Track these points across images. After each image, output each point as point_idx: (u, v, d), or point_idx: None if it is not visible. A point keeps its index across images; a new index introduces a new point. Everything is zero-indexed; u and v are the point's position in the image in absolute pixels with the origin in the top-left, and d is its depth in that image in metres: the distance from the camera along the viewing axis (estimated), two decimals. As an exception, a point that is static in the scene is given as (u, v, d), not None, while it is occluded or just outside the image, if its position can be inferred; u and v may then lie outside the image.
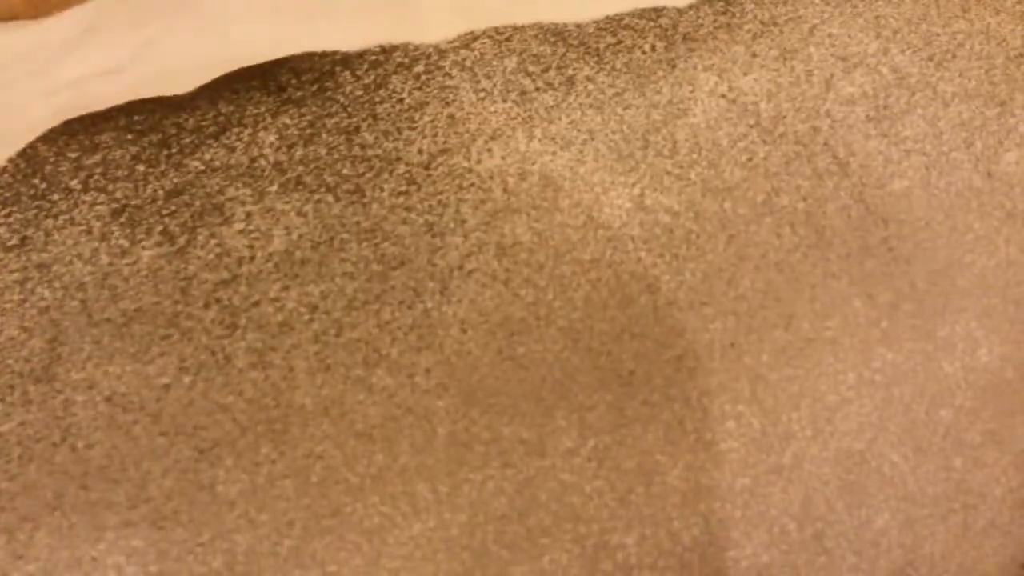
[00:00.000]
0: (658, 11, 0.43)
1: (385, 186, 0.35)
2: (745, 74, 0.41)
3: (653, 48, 0.41)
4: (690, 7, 0.43)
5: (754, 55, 0.42)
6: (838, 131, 0.40)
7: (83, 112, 0.37)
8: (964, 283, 0.39)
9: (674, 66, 0.40)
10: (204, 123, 0.36)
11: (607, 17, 0.43)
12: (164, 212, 0.33)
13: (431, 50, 0.40)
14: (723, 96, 0.40)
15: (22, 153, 0.34)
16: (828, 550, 0.36)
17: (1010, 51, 0.45)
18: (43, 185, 0.34)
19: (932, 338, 0.38)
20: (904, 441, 0.38)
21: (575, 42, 0.41)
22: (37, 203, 0.33)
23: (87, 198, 0.34)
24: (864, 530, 0.37)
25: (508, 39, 0.41)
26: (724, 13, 0.43)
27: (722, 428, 0.34)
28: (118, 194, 0.34)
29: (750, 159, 0.38)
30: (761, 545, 0.34)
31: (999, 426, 0.40)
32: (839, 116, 0.41)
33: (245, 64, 0.39)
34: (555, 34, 0.41)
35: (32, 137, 0.35)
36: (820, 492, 0.36)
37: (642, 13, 0.43)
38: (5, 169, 0.34)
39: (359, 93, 0.38)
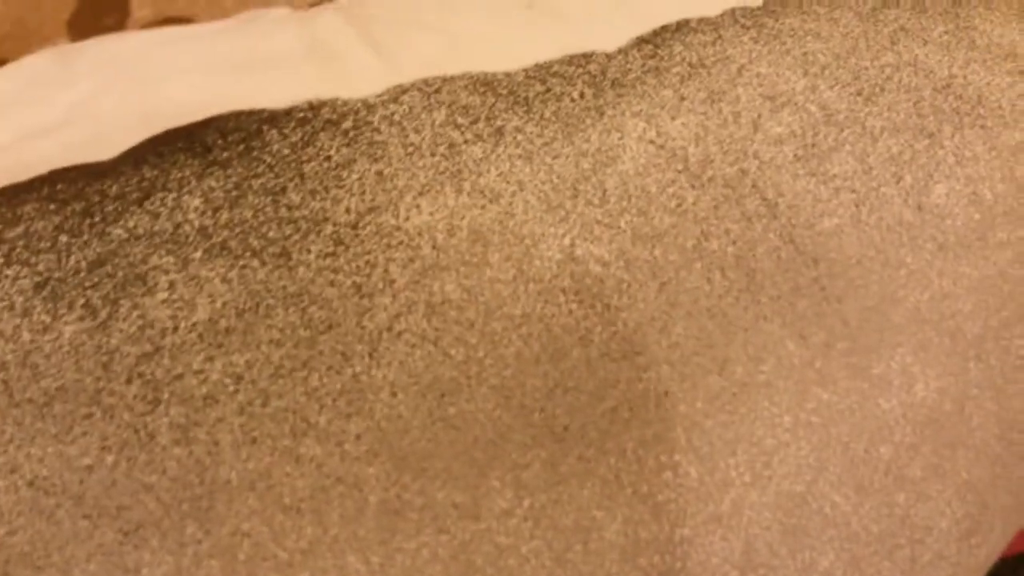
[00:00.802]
0: (587, 57, 0.43)
1: (312, 248, 0.35)
2: (673, 118, 0.41)
3: (582, 95, 0.41)
4: (619, 51, 0.44)
5: (682, 98, 0.42)
6: (766, 172, 0.40)
7: (6, 182, 0.37)
8: (898, 318, 0.40)
9: (603, 113, 0.41)
10: (128, 189, 0.36)
11: (536, 65, 0.43)
12: (87, 284, 0.33)
13: (359, 105, 0.40)
14: (651, 142, 0.40)
15: (-60, 229, 0.34)
16: (771, 595, 0.36)
17: (937, 82, 0.46)
18: (-39, 261, 0.33)
19: (867, 376, 0.38)
20: (845, 481, 0.38)
21: (504, 91, 0.41)
22: (-45, 280, 0.33)
23: (9, 272, 0.33)
24: (809, 573, 0.37)
25: (437, 91, 0.41)
26: (652, 56, 0.44)
27: (658, 479, 0.34)
28: (41, 267, 0.33)
29: (679, 205, 0.39)
30: (703, 595, 0.34)
31: (940, 459, 0.40)
32: (767, 157, 0.41)
33: (173, 125, 0.39)
34: (484, 84, 0.41)
35: (-50, 211, 0.35)
36: (761, 538, 0.36)
37: (571, 60, 0.43)
38: (-78, 246, 0.34)
39: (286, 152, 0.37)
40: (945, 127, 0.44)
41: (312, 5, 0.63)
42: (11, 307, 0.32)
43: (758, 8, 0.47)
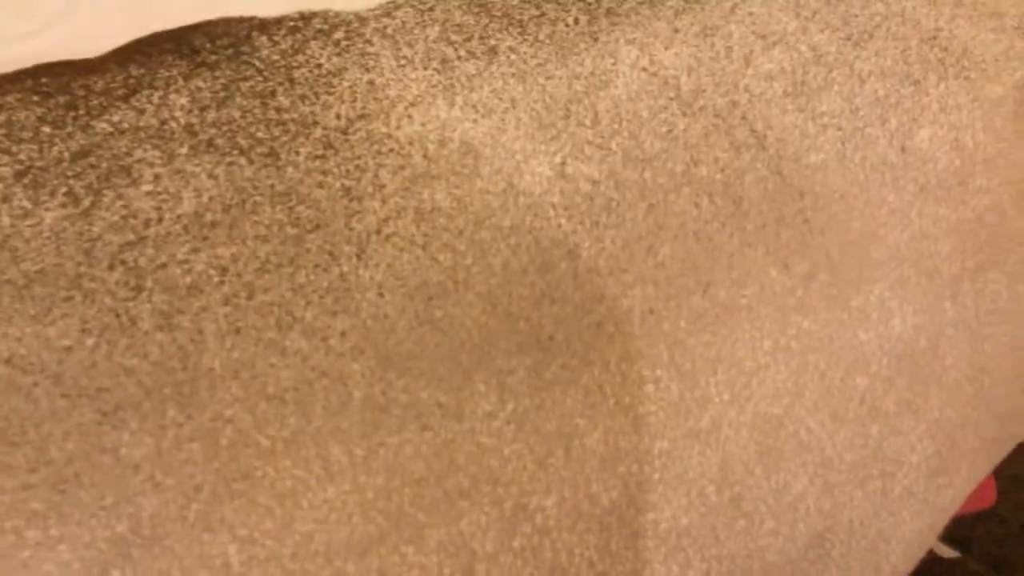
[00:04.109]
0: (582, -15, 0.43)
1: (301, 150, 0.34)
2: (666, 48, 0.41)
3: (576, 21, 0.41)
4: (614, -18, 0.44)
5: (676, 31, 0.42)
6: (756, 105, 0.41)
7: (-8, 73, 0.36)
8: (878, 254, 0.40)
9: (596, 39, 0.41)
10: (113, 85, 0.35)
11: (531, -11, 0.42)
12: (69, 174, 0.32)
13: (351, 17, 0.39)
14: (644, 69, 0.40)
15: (-82, 112, 0.33)
16: (747, 514, 0.36)
17: (924, 33, 0.47)
18: (-59, 145, 0.33)
19: (847, 307, 0.39)
20: (821, 407, 0.38)
21: (498, 13, 0.41)
22: (-66, 163, 0.32)
23: (-12, 159, 0.32)
24: (782, 495, 0.37)
25: (431, 8, 0.40)
26: (647, -11, 0.44)
27: (640, 392, 0.34)
28: (22, 156, 0.32)
29: (670, 131, 0.39)
30: (680, 508, 0.35)
31: (913, 395, 0.41)
32: (757, 91, 0.41)
33: (160, 28, 0.38)
34: (478, 5, 0.41)
35: (-71, 96, 0.34)
36: (738, 456, 0.36)
37: (566, -13, 0.43)
38: (-101, 128, 0.33)
39: (276, 58, 0.37)
40: (930, 76, 0.45)
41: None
42: (-9, 193, 0.32)
43: (751, -48, 0.47)
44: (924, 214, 0.42)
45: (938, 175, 0.43)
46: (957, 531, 0.61)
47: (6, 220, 0.31)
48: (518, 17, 0.41)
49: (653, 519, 0.34)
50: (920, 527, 0.43)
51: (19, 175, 0.32)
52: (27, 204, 0.31)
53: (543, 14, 0.41)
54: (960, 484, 0.45)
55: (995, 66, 0.47)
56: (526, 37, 0.40)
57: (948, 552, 0.64)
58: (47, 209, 0.31)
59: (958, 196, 0.43)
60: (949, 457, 0.43)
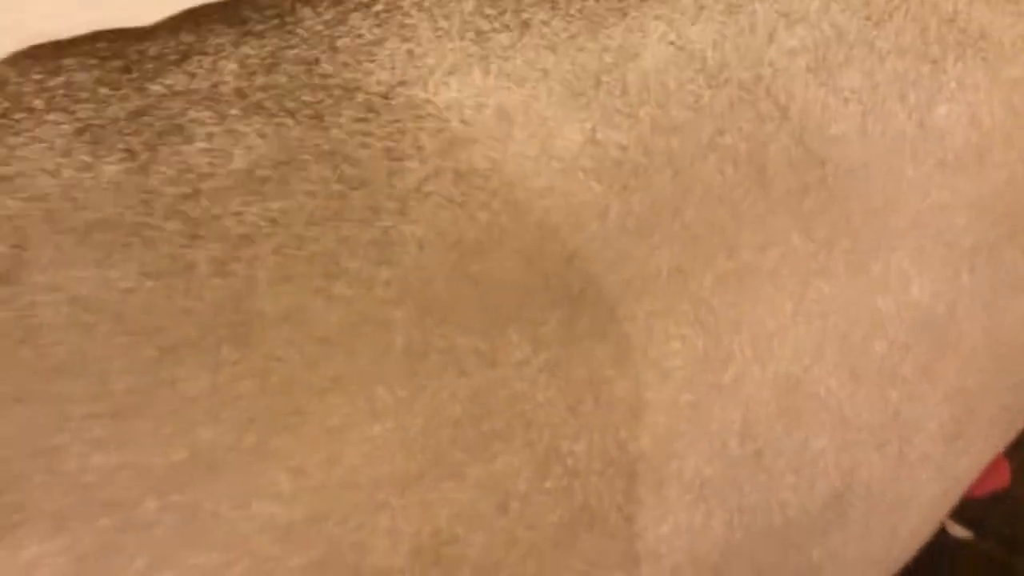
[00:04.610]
0: (611, -36, 0.45)
1: (344, 113, 0.36)
2: (693, 24, 0.43)
3: (606, -3, 0.43)
4: (642, -38, 0.45)
5: (702, 7, 0.43)
6: (779, 79, 0.42)
7: (46, 43, 0.38)
8: (898, 223, 0.42)
9: (626, 14, 0.42)
10: (166, 51, 0.37)
11: (562, -32, 0.44)
12: (126, 131, 0.34)
13: (391, -9, 0.41)
14: (672, 43, 0.42)
15: (-15, 73, 0.35)
16: (767, 468, 0.38)
17: (943, 15, 0.48)
18: (6, 104, 0.34)
19: (867, 272, 0.40)
20: (840, 369, 0.40)
21: (531, -11, 0.43)
22: (0, 120, 0.34)
23: (50, 117, 0.34)
24: (802, 451, 0.39)
25: (466, -16, 0.42)
26: (674, -31, 0.45)
27: (667, 347, 0.36)
28: (81, 114, 0.34)
29: (696, 101, 0.40)
30: (703, 459, 0.36)
31: (931, 361, 0.42)
32: (781, 66, 0.43)
33: (207, 2, 0.40)
34: (512, -18, 0.43)
35: (-4, 60, 0.36)
36: (759, 412, 0.37)
37: (596, -35, 0.44)
38: (-32, 89, 0.35)
39: (319, 28, 0.39)
40: (949, 55, 0.46)
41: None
42: (52, 147, 0.34)
43: (775, -65, 0.49)
44: (942, 186, 0.43)
45: (956, 150, 0.44)
46: (970, 512, 0.62)
47: (68, 172, 0.33)
48: (550, -7, 0.43)
49: (678, 468, 0.36)
50: (936, 492, 0.44)
51: (79, 132, 0.34)
52: (87, 158, 0.33)
53: (574, -9, 0.43)
54: (976, 452, 0.46)
55: (1012, 48, 0.48)
56: (557, 11, 0.42)
57: (961, 532, 0.65)
58: (106, 163, 0.33)
59: (975, 170, 0.44)
60: (966, 424, 0.44)
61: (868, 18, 0.46)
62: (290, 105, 0.36)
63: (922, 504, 0.43)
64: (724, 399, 0.36)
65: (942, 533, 0.48)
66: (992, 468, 0.49)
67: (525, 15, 0.41)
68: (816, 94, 0.42)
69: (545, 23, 0.41)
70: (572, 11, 0.42)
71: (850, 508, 0.40)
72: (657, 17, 0.43)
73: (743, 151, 0.40)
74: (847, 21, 0.46)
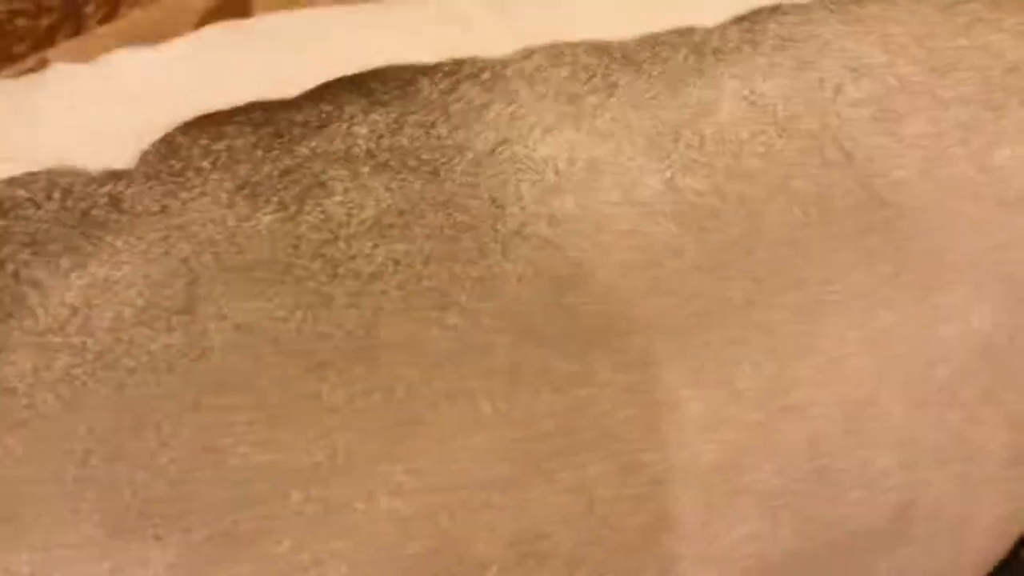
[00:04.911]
0: (690, 29, 0.50)
1: (456, 168, 0.42)
2: (765, 80, 0.47)
3: (685, 59, 0.48)
4: (719, 26, 0.50)
5: (773, 65, 0.48)
6: (845, 128, 0.46)
7: (209, 112, 0.45)
8: (958, 260, 0.45)
9: (703, 74, 0.47)
10: (309, 119, 0.44)
11: (645, 35, 0.50)
12: (278, 187, 0.41)
13: (495, 62, 0.47)
14: (745, 99, 0.46)
15: (163, 139, 0.42)
16: (833, 483, 0.41)
17: (1006, 64, 0.51)
18: (179, 165, 0.42)
19: (928, 304, 0.44)
20: (903, 393, 0.43)
21: (618, 55, 0.48)
22: (174, 179, 0.41)
23: (215, 176, 0.41)
24: (867, 469, 0.42)
25: (561, 53, 0.48)
26: (749, 31, 0.50)
27: (738, 370, 0.40)
28: (240, 173, 0.41)
29: (767, 151, 0.45)
30: (773, 472, 0.40)
31: (992, 386, 0.45)
32: (847, 116, 0.47)
33: (341, 74, 0.47)
34: (600, 49, 0.48)
35: (171, 128, 0.43)
36: (825, 432, 0.41)
37: (676, 31, 0.50)
38: (149, 152, 0.42)
39: (435, 96, 0.45)
40: (1011, 101, 0.50)
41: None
42: (217, 201, 0.41)
43: (845, -4, 0.53)
44: (1002, 226, 0.46)
45: (1016, 191, 0.47)
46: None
47: (232, 222, 0.40)
48: (635, 58, 0.48)
49: (749, 480, 0.40)
50: (1001, 514, 0.47)
51: (239, 187, 0.41)
52: (247, 210, 0.40)
53: (656, 54, 0.48)
54: (1044, 477, 0.48)
55: (1075, 93, 0.51)
56: (641, 74, 0.47)
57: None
58: (263, 214, 0.40)
59: (1037, 209, 0.47)
60: (1031, 449, 0.47)
61: (932, 69, 0.50)
62: (411, 163, 0.42)
63: (987, 524, 0.45)
64: (792, 419, 0.40)
65: (1014, 557, 0.51)
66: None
67: (613, 78, 0.47)
68: (880, 141, 0.47)
69: (630, 84, 0.47)
70: (654, 73, 0.47)
71: (914, 525, 0.44)
72: (732, 76, 0.47)
73: (811, 194, 0.44)
74: (911, 73, 0.49)
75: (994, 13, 0.54)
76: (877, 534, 0.43)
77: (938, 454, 0.44)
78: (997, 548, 0.48)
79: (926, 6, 0.54)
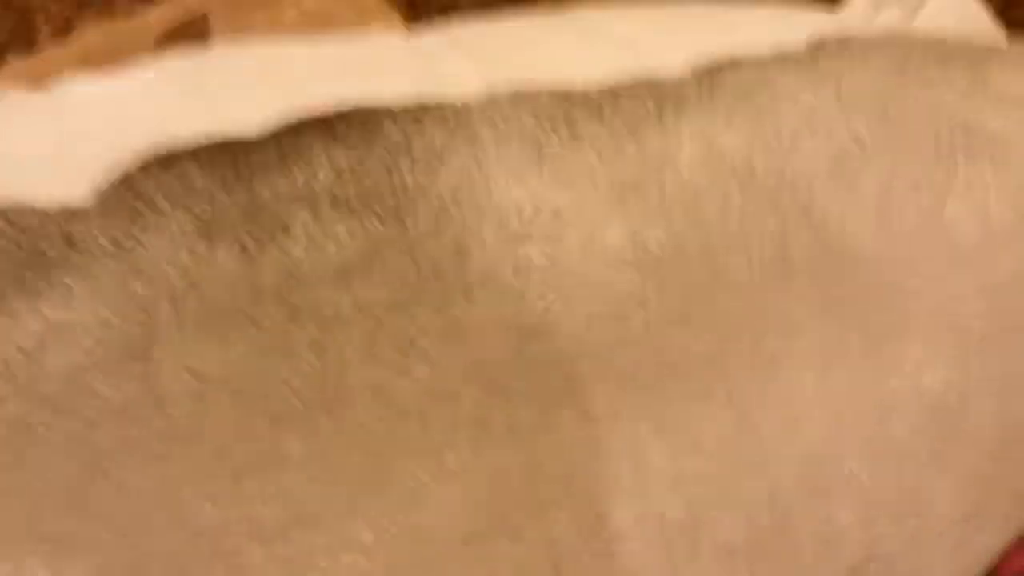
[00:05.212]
0: (652, 79, 0.51)
1: (420, 212, 0.42)
2: (723, 132, 0.48)
3: (646, 109, 0.48)
4: (678, 77, 0.51)
5: (731, 117, 0.49)
6: (802, 181, 0.47)
7: (168, 149, 0.44)
8: (911, 315, 0.46)
9: (664, 124, 0.48)
10: (270, 158, 0.43)
11: (608, 82, 0.50)
12: (238, 228, 0.40)
13: (459, 105, 0.47)
14: (704, 150, 0.47)
15: (120, 176, 0.41)
16: (793, 538, 0.42)
17: (955, 122, 0.53)
18: (137, 203, 0.41)
19: (881, 359, 0.45)
20: (861, 449, 0.44)
21: (580, 102, 0.48)
22: (131, 217, 0.40)
23: (174, 215, 0.40)
24: (827, 524, 0.43)
25: (524, 98, 0.48)
26: (708, 82, 0.51)
27: (701, 425, 0.40)
28: (199, 212, 0.40)
29: (726, 202, 0.45)
30: (734, 528, 0.40)
31: (944, 446, 0.46)
32: (803, 170, 0.48)
33: (303, 115, 0.46)
34: (563, 95, 0.49)
35: (129, 164, 0.42)
36: (786, 487, 0.42)
37: (638, 80, 0.50)
38: (106, 189, 0.41)
39: (399, 138, 0.45)
40: (960, 158, 0.51)
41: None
42: (175, 242, 0.40)
43: (801, 51, 0.54)
44: (953, 280, 0.48)
45: (966, 245, 0.48)
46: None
47: (190, 264, 0.39)
48: (597, 105, 0.48)
49: (711, 535, 0.40)
50: (954, 568, 0.48)
51: (197, 228, 0.40)
52: (205, 252, 0.39)
53: (618, 103, 0.49)
54: (995, 531, 0.49)
55: (1019, 151, 0.53)
56: (604, 122, 0.48)
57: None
58: (221, 255, 0.39)
59: (985, 264, 0.49)
60: (982, 504, 0.48)
61: (885, 124, 0.51)
62: (375, 206, 0.41)
63: (941, 576, 0.46)
64: (752, 473, 0.41)
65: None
66: (1020, 547, 0.52)
67: (576, 126, 0.47)
68: (835, 195, 0.48)
69: (593, 132, 0.47)
70: (616, 122, 0.48)
71: (871, 577, 0.44)
72: (691, 126, 0.48)
73: (769, 247, 0.45)
74: (865, 129, 0.51)
75: (944, 72, 0.56)
76: (834, 586, 0.43)
77: (893, 509, 0.44)
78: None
79: (880, 61, 0.55)
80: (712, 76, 0.51)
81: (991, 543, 0.50)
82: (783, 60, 0.53)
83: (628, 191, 0.45)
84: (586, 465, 0.38)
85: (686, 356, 0.41)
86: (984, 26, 0.65)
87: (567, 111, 0.48)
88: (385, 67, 0.52)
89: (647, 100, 0.49)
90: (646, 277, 0.42)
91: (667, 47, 0.55)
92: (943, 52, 0.58)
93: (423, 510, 0.36)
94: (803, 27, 0.58)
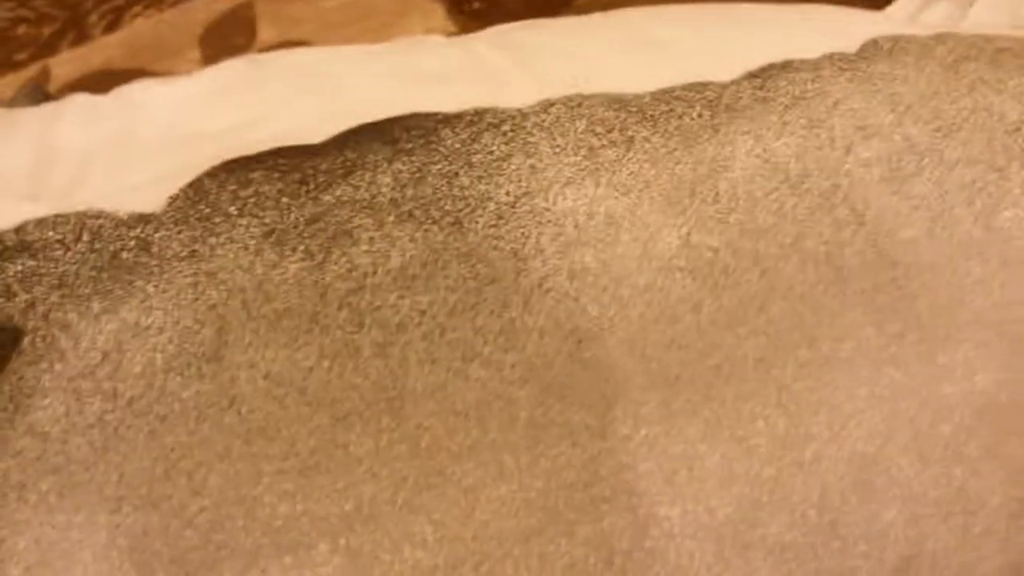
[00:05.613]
0: (704, 85, 0.51)
1: (479, 220, 0.43)
2: (777, 139, 0.49)
3: (700, 115, 0.49)
4: (732, 82, 0.52)
5: (785, 123, 0.50)
6: (855, 188, 0.48)
7: (236, 155, 0.46)
8: (963, 319, 0.46)
9: (717, 130, 0.49)
10: (334, 167, 0.44)
11: (661, 89, 0.51)
12: (305, 235, 0.41)
13: (515, 113, 0.48)
14: (758, 156, 0.48)
15: (191, 184, 0.43)
16: (842, 536, 0.42)
17: (1009, 125, 0.53)
18: (207, 210, 0.42)
19: (934, 363, 0.45)
20: (910, 449, 0.44)
21: (634, 109, 0.49)
22: (203, 224, 0.42)
23: (243, 222, 0.42)
24: (874, 522, 0.43)
25: (579, 105, 0.49)
26: (760, 88, 0.52)
27: (752, 427, 0.41)
28: (267, 219, 0.42)
29: (780, 208, 0.46)
30: (784, 526, 0.41)
31: (995, 443, 0.46)
32: (857, 176, 0.48)
33: (363, 121, 0.48)
34: (617, 102, 0.50)
35: (198, 172, 0.44)
36: (835, 487, 0.42)
37: (691, 87, 0.51)
38: (178, 196, 0.43)
39: (457, 146, 0.46)
40: (1013, 164, 0.51)
41: (451, 34, 0.73)
42: (246, 248, 0.41)
43: (853, 54, 0.55)
44: (1007, 284, 0.48)
45: (1020, 250, 0.48)
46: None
47: (260, 269, 0.40)
48: (650, 112, 0.49)
49: (762, 534, 0.41)
50: (1001, 564, 0.48)
51: (266, 235, 0.42)
52: (274, 257, 0.41)
53: (671, 109, 0.50)
54: (1043, 530, 0.49)
55: (1076, 155, 0.53)
56: (657, 129, 0.48)
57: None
58: (290, 262, 0.41)
59: (1038, 269, 0.49)
60: (1031, 503, 0.48)
61: (938, 130, 0.52)
62: (434, 214, 0.43)
63: (986, 574, 0.46)
64: (804, 474, 0.41)
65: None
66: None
67: (630, 132, 0.48)
68: (889, 201, 0.48)
69: (646, 139, 0.48)
70: (670, 128, 0.48)
71: (917, 575, 0.45)
72: (745, 133, 0.49)
73: (822, 253, 0.45)
74: (918, 133, 0.51)
75: (996, 73, 0.56)
76: (882, 586, 0.44)
77: (941, 507, 0.45)
78: (995, 599, 0.49)
79: (932, 64, 0.55)
80: (764, 82, 0.52)
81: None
82: (835, 64, 0.54)
83: (682, 197, 0.46)
84: (638, 465, 0.39)
85: (738, 359, 0.42)
86: (1040, 25, 0.64)
87: (621, 119, 0.49)
88: (440, 75, 0.53)
89: (700, 107, 0.50)
90: (699, 282, 0.43)
91: (718, 51, 0.55)
92: (995, 52, 0.57)
93: (481, 508, 0.37)
94: (853, 27, 0.58)
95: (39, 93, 0.63)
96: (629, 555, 0.39)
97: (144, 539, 0.35)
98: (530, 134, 0.47)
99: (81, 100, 0.54)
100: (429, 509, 0.37)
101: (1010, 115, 0.53)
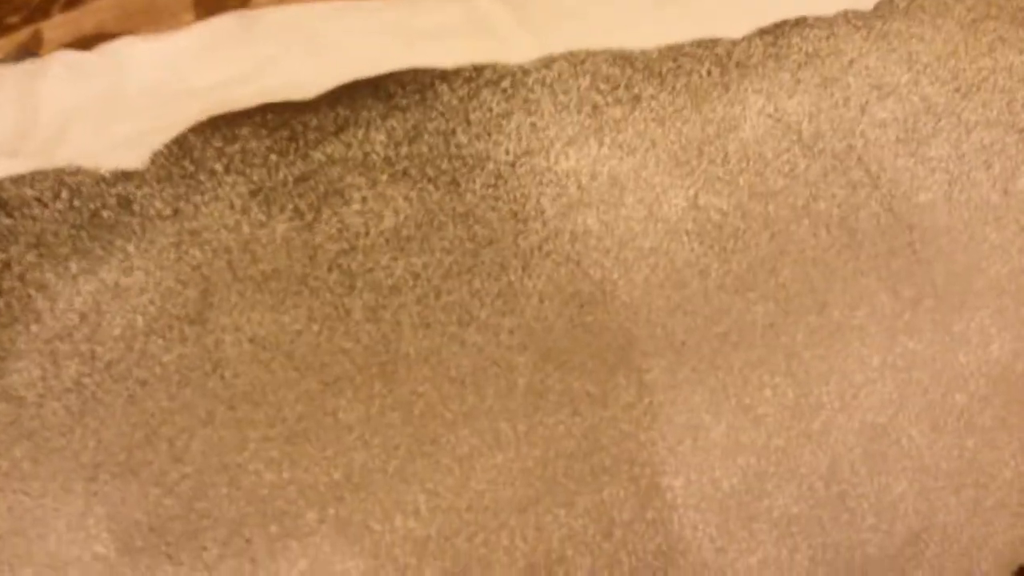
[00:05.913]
0: (714, 41, 0.49)
1: (477, 179, 0.41)
2: (790, 97, 0.47)
3: (709, 73, 0.47)
4: (743, 38, 0.49)
5: (798, 81, 0.47)
6: (871, 149, 0.46)
7: (223, 111, 0.44)
8: (980, 286, 0.45)
9: (727, 88, 0.46)
10: (325, 123, 0.43)
11: (668, 45, 0.49)
12: (294, 193, 0.40)
13: (516, 69, 0.46)
14: (769, 115, 0.46)
15: (175, 140, 0.41)
16: (851, 509, 0.41)
17: (1030, 86, 0.51)
18: (192, 167, 0.41)
19: (949, 331, 0.43)
20: (922, 419, 0.43)
21: (640, 66, 0.47)
22: (187, 181, 0.40)
23: (229, 179, 0.40)
24: (884, 495, 0.42)
25: (583, 61, 0.47)
26: (773, 44, 0.49)
27: (760, 395, 0.39)
28: (255, 177, 0.40)
29: (792, 169, 0.44)
30: (791, 498, 0.40)
31: (1009, 413, 0.45)
32: (872, 137, 0.46)
33: (357, 77, 0.46)
34: (623, 58, 0.48)
35: (183, 128, 0.42)
36: (845, 458, 0.41)
37: (700, 43, 0.49)
38: (161, 152, 0.41)
39: (455, 103, 0.44)
40: (1035, 125, 0.49)
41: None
42: (231, 206, 0.40)
43: (869, 11, 0.52)
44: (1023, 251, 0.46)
45: (1039, 216, 0.47)
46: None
47: (246, 229, 0.39)
48: (657, 69, 0.47)
49: (767, 506, 0.39)
50: (1011, 537, 0.46)
51: (253, 193, 0.40)
52: (262, 217, 0.39)
53: (679, 66, 0.47)
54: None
55: (1099, 118, 0.51)
56: (664, 86, 0.46)
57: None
58: (278, 222, 0.39)
59: (1059, 236, 0.47)
60: (1045, 476, 0.46)
61: (956, 90, 0.49)
62: (430, 172, 0.41)
63: (997, 548, 0.45)
64: (812, 444, 0.40)
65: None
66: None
67: (635, 90, 0.46)
68: (905, 163, 0.46)
69: (653, 97, 0.46)
70: (678, 86, 0.46)
71: (927, 549, 0.43)
72: (756, 91, 0.47)
73: (835, 216, 0.43)
74: (936, 93, 0.49)
75: (1017, 32, 0.54)
76: (891, 559, 0.42)
77: (953, 480, 0.43)
78: (1006, 571, 0.48)
79: (950, 23, 0.53)
80: (777, 39, 0.50)
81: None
82: (850, 21, 0.52)
83: (690, 158, 0.44)
84: (641, 434, 0.38)
85: (746, 325, 0.40)
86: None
87: (627, 76, 0.46)
88: (439, 31, 0.51)
89: (710, 64, 0.48)
90: (707, 245, 0.41)
91: (728, 7, 0.53)
92: (1016, 11, 0.55)
93: (476, 477, 0.36)
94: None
95: (28, 57, 0.61)
96: (630, 526, 0.37)
97: (122, 507, 0.33)
98: (531, 91, 0.45)
99: (66, 57, 0.52)
100: (422, 478, 0.35)
101: (1031, 75, 0.51)
